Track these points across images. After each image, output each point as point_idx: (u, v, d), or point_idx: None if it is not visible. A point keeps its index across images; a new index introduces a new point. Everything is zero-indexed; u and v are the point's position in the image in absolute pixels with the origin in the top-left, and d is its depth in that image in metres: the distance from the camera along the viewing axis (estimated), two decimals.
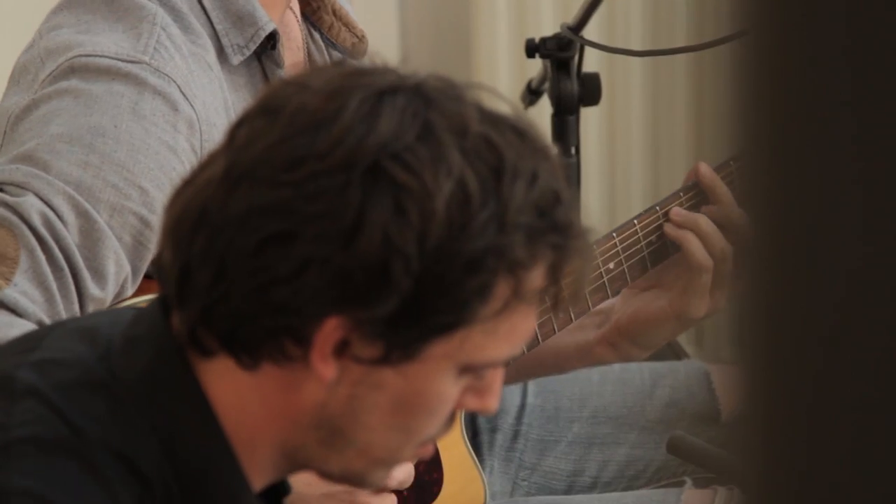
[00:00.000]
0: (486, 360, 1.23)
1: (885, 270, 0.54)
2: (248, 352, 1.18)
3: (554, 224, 1.20)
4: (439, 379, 1.20)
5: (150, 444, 1.20)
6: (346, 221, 1.17)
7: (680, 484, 2.12)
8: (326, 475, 1.29)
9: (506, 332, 1.22)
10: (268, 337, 1.17)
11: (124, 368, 1.23)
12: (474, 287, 1.18)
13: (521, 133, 1.22)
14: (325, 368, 1.17)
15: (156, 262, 1.29)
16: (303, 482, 1.90)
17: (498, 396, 1.29)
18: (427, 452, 1.33)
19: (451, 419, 1.28)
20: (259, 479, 1.25)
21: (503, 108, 1.26)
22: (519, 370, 2.12)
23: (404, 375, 1.18)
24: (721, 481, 2.01)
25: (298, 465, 1.28)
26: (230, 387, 1.21)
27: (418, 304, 1.17)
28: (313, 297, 1.16)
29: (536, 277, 1.21)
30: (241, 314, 1.18)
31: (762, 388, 0.58)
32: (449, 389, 1.23)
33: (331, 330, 1.16)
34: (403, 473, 1.93)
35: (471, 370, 1.23)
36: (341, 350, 1.17)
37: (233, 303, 1.18)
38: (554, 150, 1.28)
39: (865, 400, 0.55)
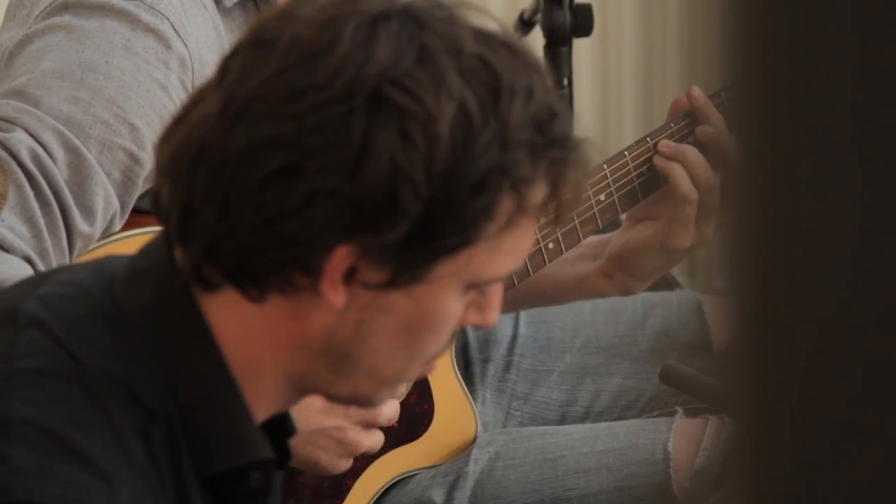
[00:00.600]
0: (491, 275, 1.24)
1: (879, 196, 0.54)
2: (255, 284, 1.18)
3: (552, 138, 1.21)
4: (446, 298, 1.21)
5: (153, 375, 1.20)
6: (351, 151, 1.17)
7: (671, 413, 2.14)
8: (333, 398, 1.30)
9: (509, 248, 1.23)
10: (275, 269, 1.18)
11: (128, 301, 1.23)
12: (480, 207, 1.19)
13: (512, 49, 1.23)
14: (335, 296, 1.17)
15: (153, 200, 1.28)
16: (294, 419, 1.91)
17: (498, 311, 1.30)
18: (431, 370, 1.34)
19: (453, 336, 1.30)
20: (263, 410, 1.26)
21: (491, 25, 1.26)
22: (518, 301, 2.13)
23: (412, 297, 1.19)
24: (713, 410, 2.03)
25: (304, 392, 1.28)
26: (235, 319, 1.22)
27: (426, 227, 1.18)
28: (322, 229, 1.16)
29: (538, 191, 1.22)
30: (247, 249, 1.18)
31: (752, 318, 0.58)
32: (454, 307, 1.23)
33: (340, 259, 1.16)
34: (391, 410, 1.95)
35: (475, 286, 1.24)
36: (350, 277, 1.18)
37: (239, 238, 1.18)
38: (543, 62, 1.29)
39: (856, 329, 0.56)
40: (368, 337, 1.22)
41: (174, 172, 1.22)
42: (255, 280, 1.20)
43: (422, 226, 1.17)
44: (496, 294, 1.29)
